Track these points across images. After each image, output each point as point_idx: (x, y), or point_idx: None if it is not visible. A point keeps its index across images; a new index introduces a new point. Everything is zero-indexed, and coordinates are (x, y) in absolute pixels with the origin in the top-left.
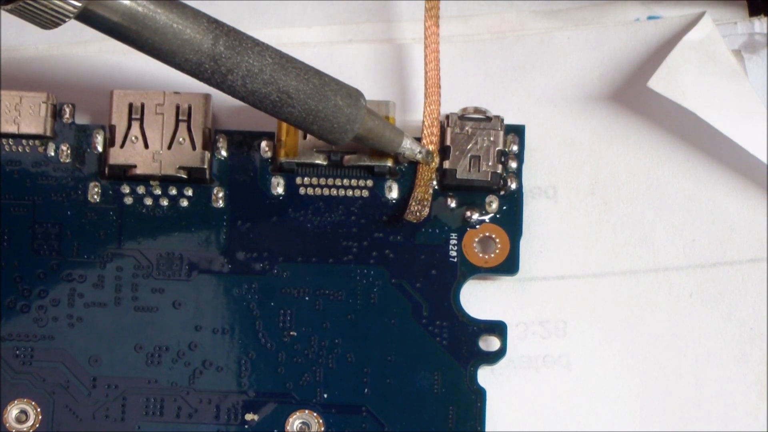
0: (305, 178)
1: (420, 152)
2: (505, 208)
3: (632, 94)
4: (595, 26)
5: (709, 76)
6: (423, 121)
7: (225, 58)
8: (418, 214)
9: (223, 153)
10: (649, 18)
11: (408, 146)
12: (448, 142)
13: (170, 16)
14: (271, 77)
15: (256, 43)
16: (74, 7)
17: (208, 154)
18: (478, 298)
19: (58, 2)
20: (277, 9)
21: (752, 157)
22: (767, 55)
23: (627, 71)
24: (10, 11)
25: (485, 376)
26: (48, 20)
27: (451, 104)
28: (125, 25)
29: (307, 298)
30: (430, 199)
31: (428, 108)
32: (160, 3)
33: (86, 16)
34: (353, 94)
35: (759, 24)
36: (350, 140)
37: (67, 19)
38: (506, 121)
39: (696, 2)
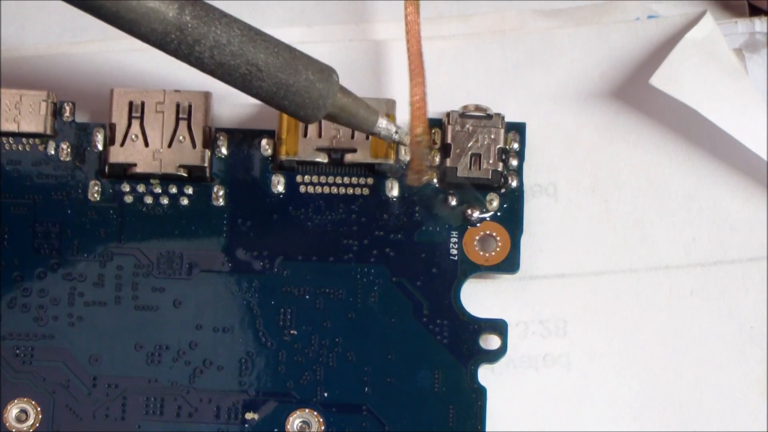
0: (306, 177)
1: (396, 132)
2: (505, 206)
3: (633, 92)
4: (595, 25)
5: (710, 74)
6: (410, 103)
7: (191, 27)
8: (416, 182)
9: (224, 151)
10: (650, 17)
11: (384, 126)
12: (449, 140)
13: None
14: (239, 49)
15: (224, 14)
16: None
17: (208, 153)
18: (477, 297)
19: None
20: (277, 9)
21: (753, 155)
22: (767, 54)
23: (628, 69)
24: None
25: (485, 375)
26: None
27: (451, 102)
28: None
29: (307, 297)
30: (427, 167)
31: (414, 89)
32: None
33: None
34: (325, 70)
35: (759, 23)
36: (324, 118)
37: None
38: (507, 119)
39: (696, 2)
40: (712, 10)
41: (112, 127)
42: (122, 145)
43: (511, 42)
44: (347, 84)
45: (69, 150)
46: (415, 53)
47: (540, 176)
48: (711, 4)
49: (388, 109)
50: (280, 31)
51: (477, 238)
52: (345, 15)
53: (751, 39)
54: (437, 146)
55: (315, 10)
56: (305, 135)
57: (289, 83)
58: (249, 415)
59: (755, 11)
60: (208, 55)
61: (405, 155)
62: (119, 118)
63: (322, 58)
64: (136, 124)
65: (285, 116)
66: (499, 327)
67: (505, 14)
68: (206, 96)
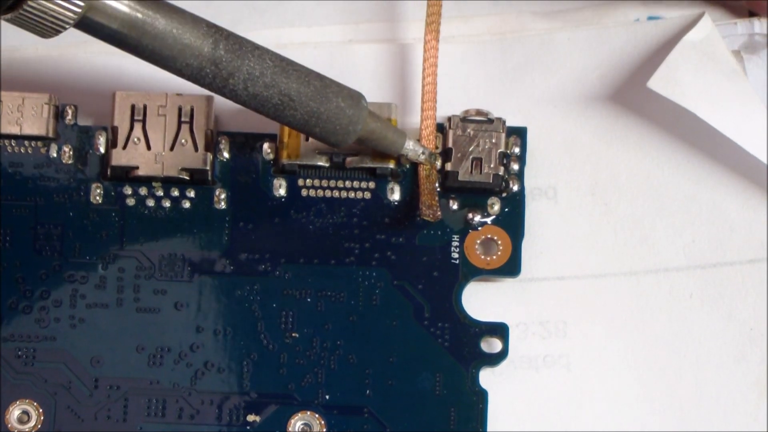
0: (307, 180)
1: (423, 153)
2: (507, 210)
3: (632, 94)
4: (595, 27)
5: (709, 76)
6: (420, 132)
7: (226, 61)
8: (431, 216)
9: (225, 154)
10: (649, 18)
11: (411, 147)
12: (450, 144)
13: (169, 21)
14: (272, 80)
15: (256, 46)
16: (74, 13)
17: (210, 156)
18: (477, 299)
19: (57, 9)
20: (277, 9)
21: (752, 158)
22: (767, 55)
23: (627, 72)
24: (9, 20)
25: (485, 375)
26: (47, 28)
27: (450, 105)
28: (125, 31)
29: (309, 300)
30: (437, 203)
31: (425, 122)
32: (159, 8)
33: (85, 24)
34: (354, 96)
35: (759, 24)
36: (353, 143)
37: (66, 27)
38: (506, 122)
39: (696, 2)
40: (712, 11)
41: (114, 130)
42: (124, 148)
43: (511, 44)
44: (347, 85)
45: (71, 153)
46: (430, 82)
47: (540, 179)
48: (711, 5)
49: (389, 113)
50: (280, 32)
51: (478, 241)
52: (344, 16)
53: (750, 40)
54: (439, 150)
55: (315, 11)
56: (307, 139)
57: (320, 111)
58: (251, 417)
59: (755, 14)
60: (242, 87)
61: (406, 162)
62: (121, 121)
63: (321, 60)
64: (138, 127)
65: None
66: (500, 330)
67: (504, 16)
68: (208, 99)
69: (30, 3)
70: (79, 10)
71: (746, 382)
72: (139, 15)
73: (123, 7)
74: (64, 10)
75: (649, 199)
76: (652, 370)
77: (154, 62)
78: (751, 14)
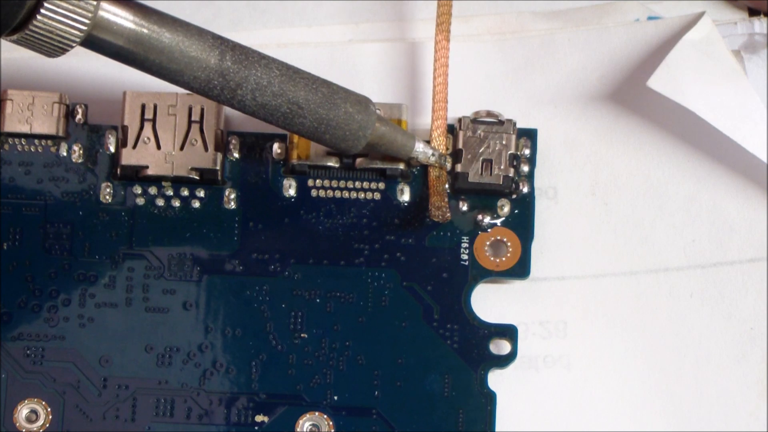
0: (317, 180)
1: (433, 155)
2: (516, 211)
3: (633, 94)
4: (595, 27)
5: (708, 75)
6: (431, 134)
7: (233, 72)
8: (441, 217)
9: (236, 154)
10: (649, 18)
11: (421, 150)
12: (460, 146)
13: (175, 34)
14: (280, 89)
15: (262, 56)
16: (80, 31)
17: (220, 156)
18: (478, 299)
19: (62, 28)
20: (277, 9)
21: (752, 157)
22: (767, 55)
23: (627, 72)
24: (15, 41)
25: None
26: (53, 48)
27: (451, 106)
28: (131, 48)
29: (318, 300)
30: (447, 204)
31: (436, 122)
32: (164, 22)
33: (91, 42)
34: (362, 101)
35: (759, 24)
36: (363, 148)
37: (72, 46)
38: (516, 124)
39: (696, 2)
40: (713, 10)
41: (124, 130)
42: (134, 147)
43: (511, 44)
44: (349, 85)
45: (81, 152)
46: (441, 83)
47: (540, 179)
48: (712, 4)
49: (400, 113)
50: (280, 32)
51: (488, 243)
52: (344, 16)
53: (750, 40)
54: (449, 152)
55: (315, 11)
56: None
57: (329, 118)
58: (259, 418)
59: (755, 12)
60: (250, 97)
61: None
62: (132, 120)
63: (322, 60)
64: (148, 126)
65: None
66: (509, 332)
67: (504, 16)
68: None
69: (35, 23)
70: (84, 28)
71: (746, 382)
72: (145, 30)
73: (128, 23)
74: (70, 29)
75: (649, 199)
76: (652, 370)
77: (162, 77)
78: (751, 14)
